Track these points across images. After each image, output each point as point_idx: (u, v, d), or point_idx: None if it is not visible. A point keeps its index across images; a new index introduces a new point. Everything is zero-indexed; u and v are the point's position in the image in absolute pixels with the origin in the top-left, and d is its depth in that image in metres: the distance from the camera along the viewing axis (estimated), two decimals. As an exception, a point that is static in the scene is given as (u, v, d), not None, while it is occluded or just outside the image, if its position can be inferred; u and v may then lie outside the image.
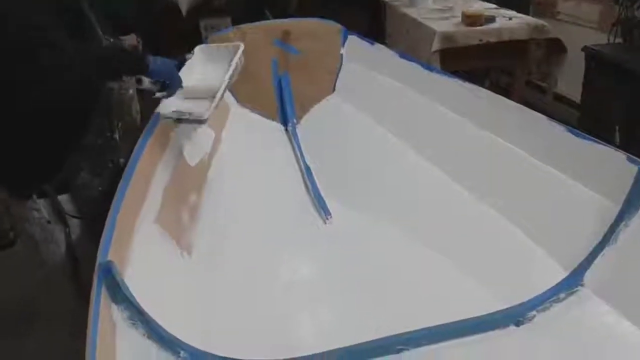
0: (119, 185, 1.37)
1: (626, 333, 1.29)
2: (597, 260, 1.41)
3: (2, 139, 1.33)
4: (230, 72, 1.80)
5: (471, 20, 3.14)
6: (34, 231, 1.47)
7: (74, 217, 1.49)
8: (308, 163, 2.30)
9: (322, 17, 2.70)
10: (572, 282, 1.42)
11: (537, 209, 1.63)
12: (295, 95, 2.60)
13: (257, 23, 2.68)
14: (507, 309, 1.39)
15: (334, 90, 2.64)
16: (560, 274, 1.46)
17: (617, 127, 2.71)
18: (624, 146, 1.51)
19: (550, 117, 1.70)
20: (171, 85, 1.59)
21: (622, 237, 1.39)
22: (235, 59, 1.85)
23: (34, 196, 1.42)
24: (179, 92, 1.66)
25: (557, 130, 1.64)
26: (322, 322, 1.53)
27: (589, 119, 2.93)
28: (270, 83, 2.59)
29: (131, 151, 1.56)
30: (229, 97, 2.35)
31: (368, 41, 2.59)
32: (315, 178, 2.21)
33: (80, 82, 1.28)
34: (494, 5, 3.59)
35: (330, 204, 2.05)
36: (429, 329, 1.31)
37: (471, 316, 1.35)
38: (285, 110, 2.57)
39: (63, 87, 1.23)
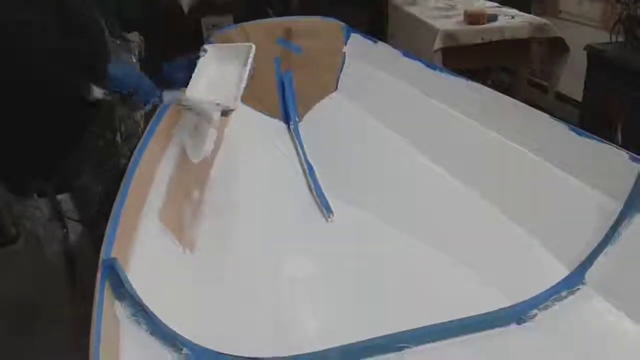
0: (122, 183, 1.38)
1: (628, 331, 1.29)
2: (599, 259, 1.41)
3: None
4: (248, 67, 1.80)
5: (473, 18, 3.14)
6: (35, 229, 1.47)
7: (72, 219, 1.48)
8: (310, 161, 2.30)
9: (324, 15, 2.70)
10: (574, 280, 1.42)
11: (538, 207, 1.63)
12: (297, 93, 2.60)
13: (259, 21, 2.68)
14: (508, 307, 1.39)
15: (336, 88, 2.64)
16: (562, 272, 1.46)
17: (619, 126, 2.72)
18: (625, 145, 1.51)
19: (552, 116, 1.70)
20: (138, 96, 1.43)
21: (624, 236, 1.39)
22: (251, 57, 1.85)
23: (35, 195, 1.42)
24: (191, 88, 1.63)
25: (560, 129, 1.64)
26: (324, 320, 1.53)
27: (590, 118, 2.93)
28: (272, 81, 2.60)
29: (132, 154, 1.55)
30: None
31: (370, 39, 2.59)
32: (318, 176, 2.21)
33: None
34: (496, 4, 3.60)
35: (332, 202, 2.05)
36: (430, 326, 1.32)
37: (473, 314, 1.35)
38: (287, 108, 2.57)
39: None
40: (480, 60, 3.28)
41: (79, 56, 1.32)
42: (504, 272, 1.55)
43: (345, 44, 2.65)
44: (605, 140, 1.53)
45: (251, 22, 2.61)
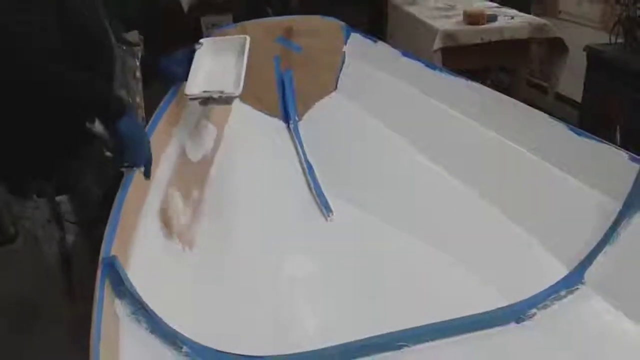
0: (122, 181, 1.38)
1: (626, 331, 1.29)
2: (598, 258, 1.42)
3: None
4: (245, 56, 1.83)
5: (473, 19, 3.15)
6: (34, 229, 1.47)
7: (70, 222, 1.48)
8: (310, 160, 2.30)
9: (323, 14, 2.70)
10: (573, 280, 1.43)
11: (538, 207, 1.63)
12: (297, 92, 2.60)
13: (258, 20, 2.68)
14: (507, 306, 1.39)
15: (336, 87, 2.64)
16: (561, 272, 1.46)
17: (617, 127, 2.72)
18: (624, 147, 1.51)
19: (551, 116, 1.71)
20: (130, 159, 1.36)
21: (623, 235, 1.40)
22: (247, 48, 1.88)
23: (34, 195, 1.42)
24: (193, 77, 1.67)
25: (559, 128, 1.64)
26: (323, 318, 1.53)
27: (590, 119, 2.93)
28: (272, 80, 2.60)
29: None
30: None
31: (370, 39, 2.59)
32: (317, 175, 2.22)
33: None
34: (496, 4, 3.60)
35: (331, 201, 2.05)
36: (429, 325, 1.32)
37: (472, 313, 1.36)
38: (287, 107, 2.57)
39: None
40: (480, 61, 3.28)
41: (79, 56, 1.32)
42: (503, 271, 1.55)
43: (345, 44, 2.66)
44: (604, 140, 1.54)
45: (251, 21, 2.61)
